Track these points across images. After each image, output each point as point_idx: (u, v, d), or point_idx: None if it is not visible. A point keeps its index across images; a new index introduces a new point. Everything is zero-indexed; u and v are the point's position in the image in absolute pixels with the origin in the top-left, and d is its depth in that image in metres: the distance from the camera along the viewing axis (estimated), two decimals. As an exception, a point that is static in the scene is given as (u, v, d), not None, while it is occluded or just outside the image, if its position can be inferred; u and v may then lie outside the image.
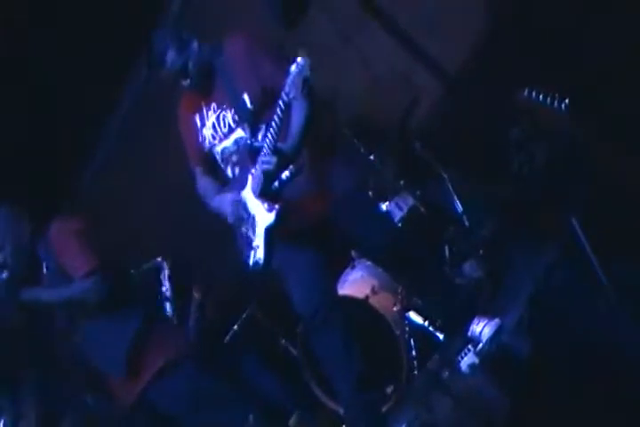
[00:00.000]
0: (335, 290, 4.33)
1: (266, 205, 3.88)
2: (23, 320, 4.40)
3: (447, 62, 5.46)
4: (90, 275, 4.15)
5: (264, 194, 3.90)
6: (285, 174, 3.84)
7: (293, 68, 3.64)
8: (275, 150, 3.79)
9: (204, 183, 4.19)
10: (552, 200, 4.04)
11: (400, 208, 4.90)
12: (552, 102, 3.69)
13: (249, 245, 3.93)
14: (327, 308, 3.96)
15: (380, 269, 4.55)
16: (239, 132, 4.01)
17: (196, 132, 4.18)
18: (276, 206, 3.87)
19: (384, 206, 4.87)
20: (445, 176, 4.99)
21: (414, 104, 5.35)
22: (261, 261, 3.89)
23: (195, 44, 4.07)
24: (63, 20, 5.51)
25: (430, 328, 4.31)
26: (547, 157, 4.08)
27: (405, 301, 4.42)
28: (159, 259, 5.30)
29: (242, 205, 3.97)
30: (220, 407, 4.18)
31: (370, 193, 4.73)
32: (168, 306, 5.03)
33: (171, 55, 4.01)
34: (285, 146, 3.84)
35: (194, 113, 4.19)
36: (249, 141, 3.94)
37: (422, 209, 4.87)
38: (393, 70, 5.63)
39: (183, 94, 4.24)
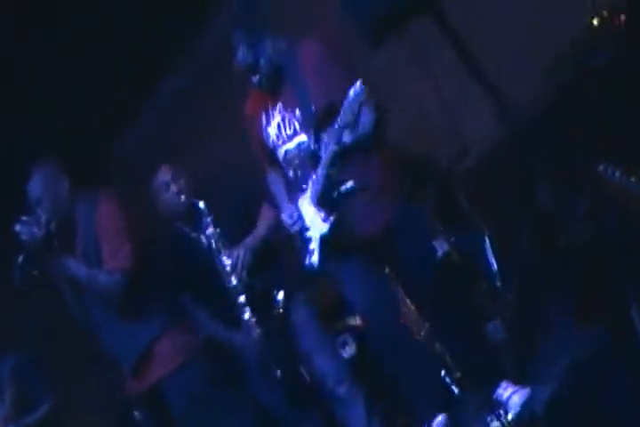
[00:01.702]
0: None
1: (322, 214, 3.84)
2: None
3: (511, 115, 5.33)
4: (118, 272, 4.15)
5: (321, 202, 3.85)
6: (346, 186, 3.80)
7: (351, 92, 3.61)
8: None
9: (271, 178, 4.15)
10: (608, 283, 3.96)
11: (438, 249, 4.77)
12: (629, 181, 3.62)
13: (306, 247, 3.88)
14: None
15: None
16: (302, 137, 3.94)
17: (262, 129, 4.10)
18: (331, 218, 3.82)
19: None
20: (486, 231, 4.87)
21: (464, 153, 5.26)
22: (315, 265, 3.86)
23: (268, 42, 3.98)
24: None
25: (446, 379, 4.19)
26: (614, 235, 4.01)
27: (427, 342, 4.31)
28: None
29: (299, 210, 3.93)
30: (224, 413, 4.14)
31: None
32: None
33: (242, 50, 3.94)
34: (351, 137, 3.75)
35: (260, 111, 4.11)
36: (311, 147, 3.88)
37: (456, 258, 4.76)
38: (448, 109, 5.53)
39: (251, 91, 4.17)
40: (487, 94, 4.92)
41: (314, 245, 3.87)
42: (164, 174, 4.71)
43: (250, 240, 4.57)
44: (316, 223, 3.87)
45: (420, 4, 4.11)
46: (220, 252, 4.49)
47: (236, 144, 4.79)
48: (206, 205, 4.54)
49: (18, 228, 4.08)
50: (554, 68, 4.97)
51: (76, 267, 4.15)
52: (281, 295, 4.42)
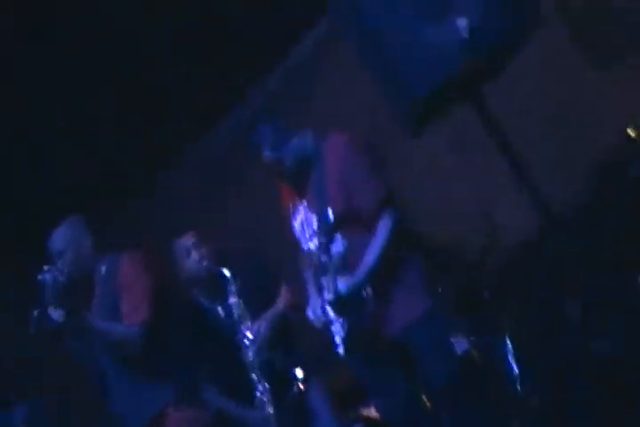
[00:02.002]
0: None
1: (332, 315, 3.73)
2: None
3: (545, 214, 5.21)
4: (136, 325, 4.06)
5: (335, 308, 3.75)
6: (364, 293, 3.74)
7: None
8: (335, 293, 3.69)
9: (304, 265, 4.02)
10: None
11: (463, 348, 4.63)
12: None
13: (332, 338, 3.75)
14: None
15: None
16: (316, 242, 3.85)
17: (290, 218, 4.02)
18: (340, 320, 3.71)
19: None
20: (508, 333, 4.74)
21: (492, 244, 5.16)
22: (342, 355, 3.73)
23: (294, 141, 3.88)
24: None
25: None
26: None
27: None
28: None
29: (324, 305, 3.80)
30: None
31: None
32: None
33: (266, 150, 3.85)
34: (348, 284, 3.71)
35: (290, 200, 4.03)
36: (321, 257, 3.80)
37: (476, 357, 4.62)
38: (482, 199, 5.45)
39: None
40: (523, 189, 4.81)
41: (338, 340, 3.72)
42: (187, 240, 4.64)
43: (270, 315, 4.46)
44: (337, 322, 3.74)
45: (463, 91, 3.98)
46: (240, 323, 4.38)
47: (261, 219, 4.74)
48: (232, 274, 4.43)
49: (40, 277, 3.99)
50: (592, 174, 4.89)
51: (94, 320, 4.06)
52: (299, 374, 4.31)
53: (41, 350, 5.20)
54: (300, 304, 4.11)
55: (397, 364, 3.83)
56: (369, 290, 3.74)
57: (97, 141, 5.92)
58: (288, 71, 6.25)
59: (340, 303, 3.71)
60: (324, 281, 3.76)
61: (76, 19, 5.12)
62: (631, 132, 4.59)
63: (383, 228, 3.75)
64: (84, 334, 4.02)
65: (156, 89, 5.66)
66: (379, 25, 3.63)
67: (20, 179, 5.88)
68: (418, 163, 5.59)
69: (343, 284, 3.72)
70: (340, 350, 3.69)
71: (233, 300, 4.38)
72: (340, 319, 3.72)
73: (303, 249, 3.95)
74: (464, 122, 4.61)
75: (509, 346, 4.67)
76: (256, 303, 4.46)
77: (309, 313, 3.85)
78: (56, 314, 3.93)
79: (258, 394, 4.22)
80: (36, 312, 3.94)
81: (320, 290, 3.82)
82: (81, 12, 5.10)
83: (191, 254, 4.56)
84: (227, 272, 4.41)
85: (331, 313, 3.76)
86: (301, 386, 4.28)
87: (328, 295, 3.72)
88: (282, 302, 4.50)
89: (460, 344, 4.60)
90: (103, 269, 4.22)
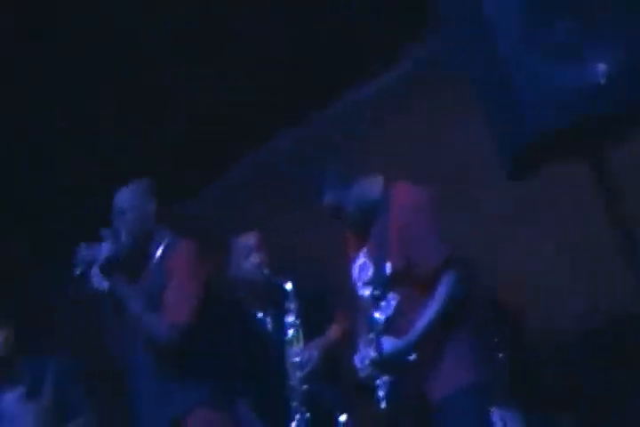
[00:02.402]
0: None
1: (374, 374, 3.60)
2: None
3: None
4: (177, 327, 3.78)
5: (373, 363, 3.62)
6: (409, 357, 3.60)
7: None
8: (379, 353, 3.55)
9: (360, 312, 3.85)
10: None
11: (504, 424, 4.29)
12: None
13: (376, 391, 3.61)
14: None
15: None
16: (369, 292, 3.72)
17: (351, 261, 3.87)
18: (379, 381, 3.59)
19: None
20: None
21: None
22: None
23: (358, 189, 3.73)
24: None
25: None
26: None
27: None
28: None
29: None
30: None
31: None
32: None
33: (329, 196, 3.70)
34: (394, 348, 3.57)
35: (350, 243, 3.90)
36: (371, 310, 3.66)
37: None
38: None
39: None
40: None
41: (382, 395, 3.59)
42: (249, 239, 4.36)
43: (323, 343, 4.21)
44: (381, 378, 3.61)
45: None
46: (292, 344, 4.15)
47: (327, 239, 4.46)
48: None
49: (79, 250, 3.81)
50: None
51: (135, 300, 3.81)
52: (342, 419, 4.10)
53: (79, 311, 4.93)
54: (350, 341, 3.92)
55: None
56: (414, 355, 3.60)
57: (97, 141, 5.89)
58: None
59: (382, 364, 3.58)
60: (371, 337, 3.64)
61: (76, 19, 5.02)
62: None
63: (442, 291, 3.59)
64: (121, 312, 3.82)
65: (155, 89, 5.64)
66: (508, 64, 3.35)
67: (20, 178, 5.85)
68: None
69: (389, 345, 3.59)
70: (383, 404, 3.57)
71: (291, 318, 4.15)
72: (385, 377, 3.59)
73: (358, 294, 3.82)
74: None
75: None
76: (308, 327, 4.22)
77: (356, 361, 3.70)
78: (100, 279, 3.79)
79: (294, 424, 4.04)
80: (79, 271, 3.79)
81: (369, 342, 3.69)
82: (81, 12, 5.03)
83: (251, 256, 4.28)
84: (289, 286, 4.16)
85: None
86: None
87: (372, 354, 3.60)
88: (335, 332, 4.26)
89: (513, 419, 4.40)
90: (160, 249, 3.96)
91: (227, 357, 4.04)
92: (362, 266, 3.78)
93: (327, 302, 4.32)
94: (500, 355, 4.55)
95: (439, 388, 3.60)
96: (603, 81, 3.27)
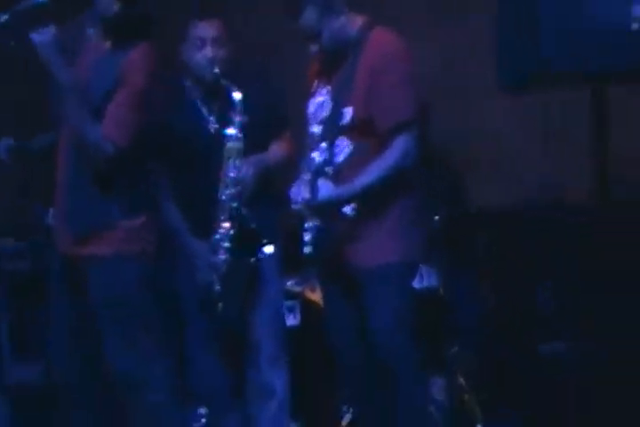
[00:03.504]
0: None
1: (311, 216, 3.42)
2: None
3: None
4: (110, 142, 3.41)
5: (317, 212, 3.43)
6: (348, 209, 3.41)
7: None
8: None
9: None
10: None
11: (420, 278, 4.33)
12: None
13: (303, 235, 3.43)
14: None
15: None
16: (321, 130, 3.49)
17: (309, 97, 3.62)
18: (308, 224, 3.40)
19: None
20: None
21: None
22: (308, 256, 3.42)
23: (343, 18, 3.46)
24: None
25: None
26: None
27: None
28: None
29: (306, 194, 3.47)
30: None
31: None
32: None
33: (309, 13, 3.41)
34: (332, 194, 3.38)
35: (315, 77, 3.63)
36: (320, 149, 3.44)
37: (441, 296, 4.33)
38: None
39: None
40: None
41: (308, 237, 3.40)
42: (208, 29, 3.83)
43: (260, 160, 3.85)
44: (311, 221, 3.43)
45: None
46: (229, 157, 3.74)
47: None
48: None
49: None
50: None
51: (73, 92, 3.41)
52: (269, 249, 3.84)
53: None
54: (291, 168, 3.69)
55: (349, 296, 3.50)
56: (350, 209, 3.42)
57: None
58: None
59: (313, 208, 3.39)
60: (310, 179, 3.44)
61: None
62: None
63: (394, 152, 3.38)
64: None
65: None
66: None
67: None
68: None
69: (326, 191, 3.40)
70: (307, 249, 3.39)
71: (233, 131, 3.74)
72: (314, 222, 3.41)
73: (309, 131, 3.58)
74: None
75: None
76: (253, 139, 3.81)
77: (292, 194, 3.50)
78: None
79: (217, 236, 3.75)
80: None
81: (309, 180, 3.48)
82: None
83: (205, 48, 3.78)
84: (238, 96, 3.73)
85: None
86: (261, 259, 3.78)
87: (306, 194, 3.41)
88: (278, 152, 3.91)
89: (430, 275, 4.33)
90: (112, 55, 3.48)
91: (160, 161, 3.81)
92: (320, 104, 3.53)
93: (274, 123, 3.94)
94: (437, 217, 4.48)
95: (367, 257, 3.42)
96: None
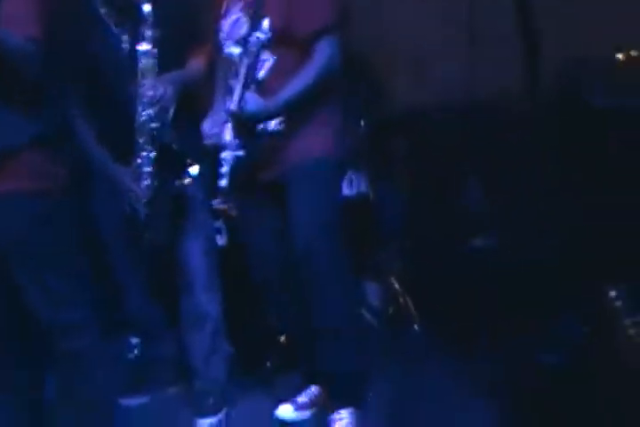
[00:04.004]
0: None
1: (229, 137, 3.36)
2: None
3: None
4: (30, 41, 3.01)
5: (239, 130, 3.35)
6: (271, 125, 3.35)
7: None
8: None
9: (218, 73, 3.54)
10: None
11: (350, 185, 4.33)
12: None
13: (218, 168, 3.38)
14: None
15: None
16: (240, 49, 3.40)
17: (220, 17, 3.53)
18: (241, 151, 3.36)
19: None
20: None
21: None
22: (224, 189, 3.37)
23: None
24: None
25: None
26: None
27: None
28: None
29: (223, 123, 3.41)
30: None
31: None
32: None
33: None
34: (259, 105, 3.30)
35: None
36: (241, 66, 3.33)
37: (370, 202, 4.34)
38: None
39: None
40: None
41: (225, 169, 3.35)
42: None
43: (180, 77, 3.63)
44: (231, 146, 3.36)
45: None
46: (144, 76, 3.53)
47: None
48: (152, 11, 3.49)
49: None
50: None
51: None
52: (194, 171, 3.62)
53: None
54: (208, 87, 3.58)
55: (272, 203, 3.48)
56: (277, 122, 3.37)
57: None
58: None
59: (239, 122, 3.31)
60: (235, 93, 3.33)
61: None
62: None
63: (318, 59, 3.32)
64: None
65: None
66: None
67: None
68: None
69: (254, 102, 3.30)
70: (224, 183, 3.34)
71: (146, 47, 3.52)
72: (235, 143, 3.34)
73: (224, 53, 3.50)
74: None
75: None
76: (169, 56, 3.60)
77: (205, 126, 3.47)
78: None
79: (138, 161, 3.56)
80: None
81: (226, 104, 3.42)
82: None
83: None
84: (147, 8, 3.50)
85: (228, 135, 3.39)
86: (187, 181, 3.61)
87: (232, 107, 3.32)
88: (196, 67, 3.70)
89: (359, 181, 4.30)
90: None
91: (74, 77, 3.55)
92: (235, 22, 3.45)
93: (191, 37, 3.72)
94: (362, 123, 4.44)
95: (292, 155, 3.39)
96: None
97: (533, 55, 4.72)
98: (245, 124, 3.33)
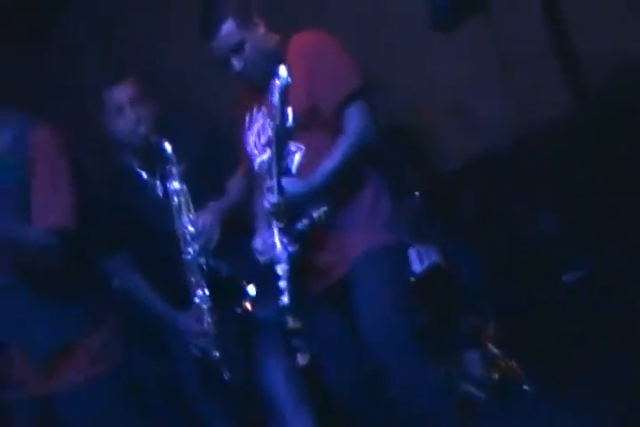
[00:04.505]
0: None
1: (281, 247, 3.26)
2: None
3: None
4: (54, 228, 3.04)
5: (284, 230, 3.25)
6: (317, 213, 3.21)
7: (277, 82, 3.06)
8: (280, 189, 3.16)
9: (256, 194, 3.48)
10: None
11: (421, 260, 4.26)
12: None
13: (276, 284, 3.29)
14: None
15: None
16: (269, 152, 3.31)
17: (245, 131, 3.52)
18: (291, 248, 3.25)
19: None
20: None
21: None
22: (287, 307, 3.26)
23: (262, 28, 3.38)
24: None
25: None
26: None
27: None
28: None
29: (273, 237, 3.30)
30: None
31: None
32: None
33: (229, 25, 3.30)
34: (297, 185, 3.21)
35: (247, 108, 3.52)
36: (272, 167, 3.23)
37: (445, 271, 4.26)
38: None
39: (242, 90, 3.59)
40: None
41: (284, 284, 3.26)
42: (123, 91, 3.67)
43: (219, 206, 3.67)
44: (281, 254, 3.26)
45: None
46: (181, 213, 3.58)
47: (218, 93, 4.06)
48: (174, 149, 3.58)
49: None
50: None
51: None
52: (251, 291, 3.64)
53: None
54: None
55: (339, 305, 3.37)
56: (322, 210, 3.23)
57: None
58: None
59: (283, 211, 3.20)
60: (272, 188, 3.23)
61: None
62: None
63: (350, 128, 3.25)
64: None
65: None
66: None
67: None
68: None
69: (292, 185, 3.21)
70: (285, 299, 3.24)
71: (175, 185, 3.59)
72: (290, 247, 3.24)
73: (256, 164, 3.46)
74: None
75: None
76: (202, 191, 3.67)
77: (256, 243, 3.38)
78: None
79: (196, 300, 3.59)
80: None
81: (271, 222, 3.30)
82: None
83: (125, 112, 3.61)
84: (168, 147, 3.58)
85: (279, 246, 3.28)
86: (249, 305, 3.63)
87: (272, 198, 3.21)
88: (235, 190, 3.72)
89: (429, 253, 4.22)
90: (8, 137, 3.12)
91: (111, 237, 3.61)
92: (259, 130, 3.44)
93: (220, 162, 3.77)
94: (417, 193, 4.35)
95: (346, 253, 3.29)
96: None
97: (574, 75, 4.56)
98: (290, 213, 3.24)
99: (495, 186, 4.65)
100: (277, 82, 3.08)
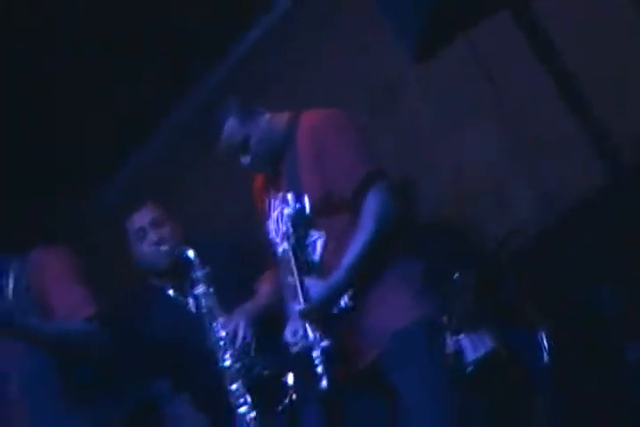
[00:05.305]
0: None
1: (313, 336, 3.15)
2: None
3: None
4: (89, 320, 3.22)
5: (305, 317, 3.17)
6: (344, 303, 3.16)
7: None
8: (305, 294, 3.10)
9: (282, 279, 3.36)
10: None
11: (475, 348, 4.01)
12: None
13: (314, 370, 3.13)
14: None
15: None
16: (287, 243, 3.29)
17: (265, 219, 3.44)
18: (325, 342, 3.12)
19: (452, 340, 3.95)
20: (542, 328, 4.07)
21: (512, 235, 4.49)
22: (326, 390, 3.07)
23: (264, 118, 3.33)
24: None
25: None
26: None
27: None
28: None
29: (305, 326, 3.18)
30: None
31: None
32: None
33: (230, 124, 3.26)
34: (322, 291, 3.13)
35: (264, 197, 3.46)
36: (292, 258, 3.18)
37: (504, 356, 3.99)
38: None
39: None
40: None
41: (320, 369, 3.11)
42: (142, 217, 3.77)
43: (250, 307, 3.61)
44: (317, 343, 3.14)
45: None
46: (212, 319, 3.53)
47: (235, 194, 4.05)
48: (197, 255, 3.55)
49: None
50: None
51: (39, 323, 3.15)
52: (290, 380, 3.49)
53: None
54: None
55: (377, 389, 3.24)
56: (348, 298, 3.17)
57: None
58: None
59: (313, 316, 3.12)
60: (297, 290, 3.19)
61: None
62: None
63: (369, 214, 3.16)
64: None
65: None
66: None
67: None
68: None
69: (316, 289, 3.15)
70: (324, 384, 3.08)
71: (201, 288, 3.55)
72: (323, 342, 3.12)
73: (278, 254, 3.35)
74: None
75: (544, 343, 4.07)
76: (230, 295, 3.63)
77: (287, 335, 3.26)
78: None
79: (241, 411, 3.42)
80: None
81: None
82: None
83: (147, 235, 3.68)
84: (191, 254, 3.56)
85: (311, 334, 3.16)
86: (294, 394, 3.46)
87: (300, 306, 3.15)
88: (264, 289, 3.67)
89: (483, 340, 3.98)
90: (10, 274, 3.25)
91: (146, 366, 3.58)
92: (277, 218, 3.35)
93: (242, 265, 3.77)
94: (456, 275, 4.06)
95: (377, 336, 3.17)
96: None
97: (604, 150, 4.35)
98: (320, 315, 3.15)
99: (544, 261, 4.43)
100: (286, 210, 3.13)
